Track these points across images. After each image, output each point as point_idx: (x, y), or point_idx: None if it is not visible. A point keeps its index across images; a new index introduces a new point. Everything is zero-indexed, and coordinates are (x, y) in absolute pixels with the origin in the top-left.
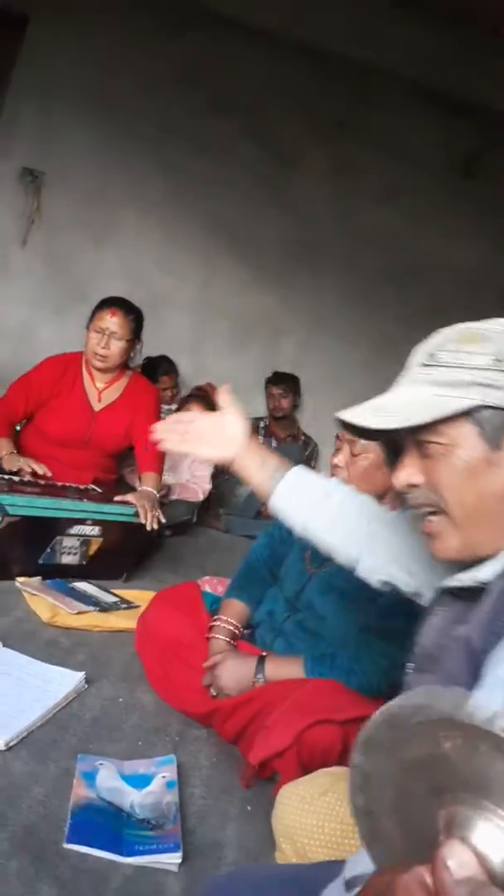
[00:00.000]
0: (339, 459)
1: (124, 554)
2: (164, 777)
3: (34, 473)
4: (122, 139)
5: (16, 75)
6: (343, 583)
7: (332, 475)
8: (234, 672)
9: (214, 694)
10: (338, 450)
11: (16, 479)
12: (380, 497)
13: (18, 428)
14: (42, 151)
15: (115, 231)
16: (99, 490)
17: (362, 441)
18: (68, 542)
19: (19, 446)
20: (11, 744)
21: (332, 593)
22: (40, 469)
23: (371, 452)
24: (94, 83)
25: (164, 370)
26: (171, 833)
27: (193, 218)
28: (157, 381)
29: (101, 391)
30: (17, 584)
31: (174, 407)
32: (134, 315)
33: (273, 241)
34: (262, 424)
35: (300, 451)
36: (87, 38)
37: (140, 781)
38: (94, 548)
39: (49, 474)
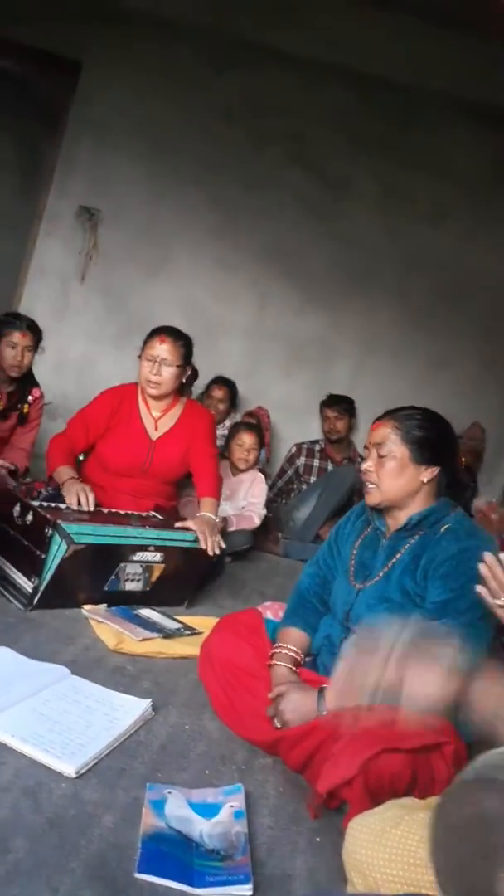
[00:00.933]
0: (368, 464)
1: (186, 580)
2: (232, 806)
3: (96, 503)
4: (172, 175)
5: (71, 118)
6: (389, 593)
7: (364, 482)
8: (297, 706)
9: (279, 725)
10: (365, 458)
11: (80, 508)
12: (410, 495)
13: (81, 458)
14: (97, 189)
15: (169, 263)
16: (160, 517)
17: (387, 444)
18: (132, 568)
19: (82, 476)
20: (81, 772)
21: (380, 605)
22: (87, 502)
23: (396, 453)
24: (143, 122)
25: (218, 382)
26: (241, 864)
27: (245, 248)
28: (208, 390)
29: (158, 420)
30: (84, 611)
31: (226, 427)
32: (183, 341)
33: (324, 266)
34: (317, 448)
35: (357, 473)
36: (136, 80)
37: (208, 811)
38: (156, 574)
39: (92, 507)
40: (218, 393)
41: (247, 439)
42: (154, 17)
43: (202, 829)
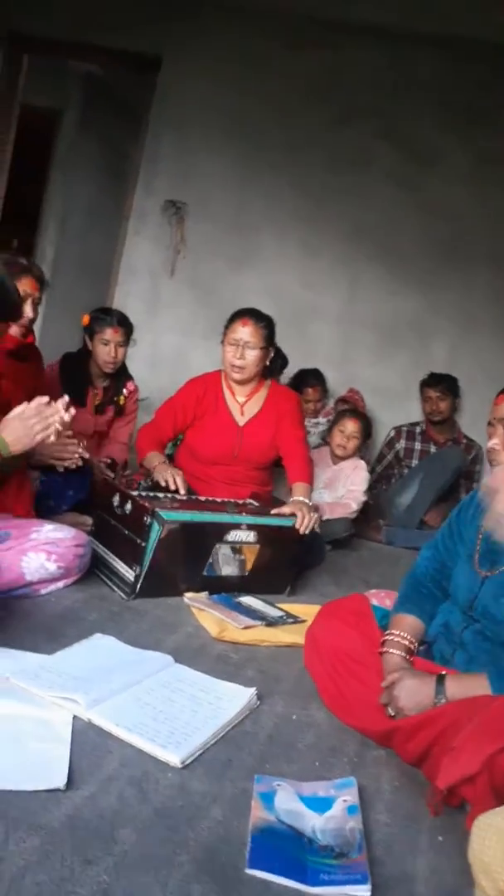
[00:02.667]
0: (495, 442)
1: (284, 565)
2: (345, 801)
3: (188, 490)
4: (256, 162)
5: (153, 115)
6: None
7: (490, 462)
8: (413, 693)
9: (392, 714)
10: (490, 435)
11: (177, 495)
12: None
13: (172, 450)
14: (182, 183)
15: (256, 252)
16: (255, 504)
17: None
18: (226, 550)
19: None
20: (187, 762)
21: None
22: (181, 484)
23: None
24: (224, 112)
25: (311, 383)
26: (357, 862)
27: (333, 230)
28: (301, 392)
29: (244, 405)
30: (185, 599)
31: (322, 420)
32: (265, 322)
33: (416, 242)
34: (418, 430)
35: (462, 455)
36: (215, 70)
37: (320, 805)
38: (252, 557)
39: (183, 488)
40: (312, 394)
41: (350, 426)
42: (229, 5)
43: (314, 824)
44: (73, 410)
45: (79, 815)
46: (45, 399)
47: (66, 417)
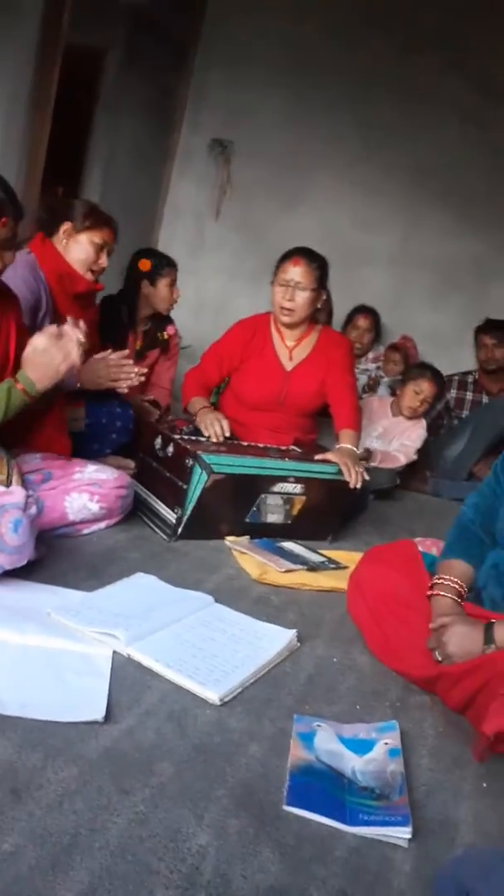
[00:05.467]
0: None
1: (329, 514)
2: (386, 744)
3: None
4: (315, 98)
5: (200, 49)
6: None
7: None
8: (462, 639)
9: (440, 659)
10: None
11: (216, 439)
12: None
13: (217, 396)
14: (230, 121)
15: (308, 193)
16: (299, 450)
17: None
18: (272, 500)
19: (220, 412)
20: (226, 700)
21: None
22: (221, 429)
23: None
24: (278, 43)
25: (362, 312)
26: (398, 805)
27: (393, 169)
28: (352, 321)
29: (292, 349)
30: (227, 542)
31: (371, 367)
32: (318, 263)
33: (484, 182)
34: (470, 379)
35: None
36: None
37: (360, 747)
38: (297, 507)
39: (228, 432)
40: (363, 322)
41: (426, 388)
42: None
43: (354, 765)
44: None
45: (116, 748)
46: (54, 327)
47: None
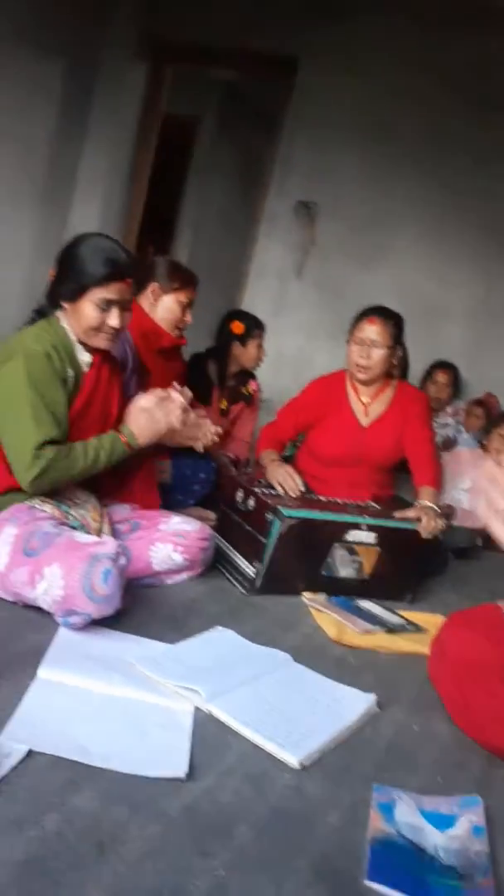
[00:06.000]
0: None
1: (406, 571)
2: (470, 820)
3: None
4: (391, 160)
5: (288, 117)
6: None
7: None
8: None
9: None
10: None
11: (293, 494)
12: None
13: (293, 451)
14: (315, 184)
15: (387, 252)
16: (377, 507)
17: None
18: (344, 550)
19: (296, 468)
20: (305, 764)
21: None
22: (299, 484)
23: None
24: (361, 110)
25: (442, 367)
26: (483, 888)
27: (471, 227)
28: (431, 376)
29: (368, 405)
30: (304, 599)
31: (451, 421)
32: (394, 321)
33: None
34: None
35: None
36: (353, 67)
37: (442, 822)
38: (372, 560)
39: (301, 487)
40: (442, 377)
41: None
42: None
43: (437, 841)
44: (188, 391)
45: (197, 807)
46: (160, 390)
47: (184, 401)
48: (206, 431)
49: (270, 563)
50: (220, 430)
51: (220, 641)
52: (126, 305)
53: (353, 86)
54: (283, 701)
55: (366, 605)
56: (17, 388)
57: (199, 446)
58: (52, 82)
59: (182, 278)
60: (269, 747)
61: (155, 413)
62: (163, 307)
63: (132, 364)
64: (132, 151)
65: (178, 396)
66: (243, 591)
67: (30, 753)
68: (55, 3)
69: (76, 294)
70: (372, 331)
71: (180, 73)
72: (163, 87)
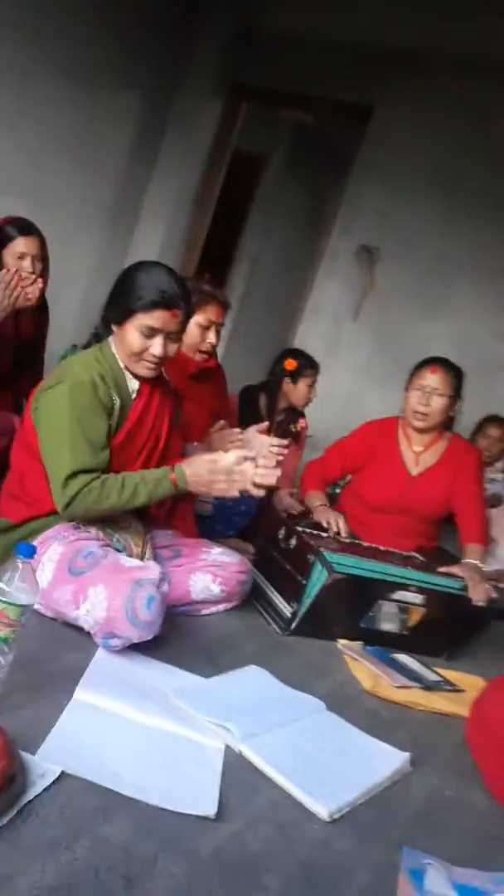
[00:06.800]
0: None
1: (447, 629)
2: None
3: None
4: (462, 213)
5: (359, 162)
6: None
7: None
8: None
9: None
10: None
11: (339, 537)
12: None
13: (338, 490)
14: (380, 229)
15: (449, 301)
16: (422, 558)
17: None
18: (390, 607)
19: (339, 509)
20: (335, 817)
21: None
22: (344, 530)
23: None
24: (433, 160)
25: (494, 422)
26: None
27: None
28: (481, 430)
29: (419, 454)
30: (339, 645)
31: (500, 477)
32: (454, 372)
33: None
34: None
35: None
36: (427, 119)
37: None
38: (415, 618)
39: (344, 531)
40: (494, 431)
41: None
42: (448, 54)
43: None
44: (262, 464)
45: (225, 850)
46: (242, 455)
47: (254, 492)
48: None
49: (310, 608)
50: (278, 472)
51: (254, 681)
52: (172, 336)
53: (424, 136)
54: (315, 749)
55: (402, 658)
56: (59, 415)
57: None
58: (128, 110)
59: (197, 298)
60: (300, 796)
61: (220, 475)
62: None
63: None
64: (199, 182)
65: (251, 471)
66: (278, 630)
67: (62, 775)
68: (140, 40)
69: (122, 318)
70: (434, 379)
71: (253, 111)
72: (236, 123)
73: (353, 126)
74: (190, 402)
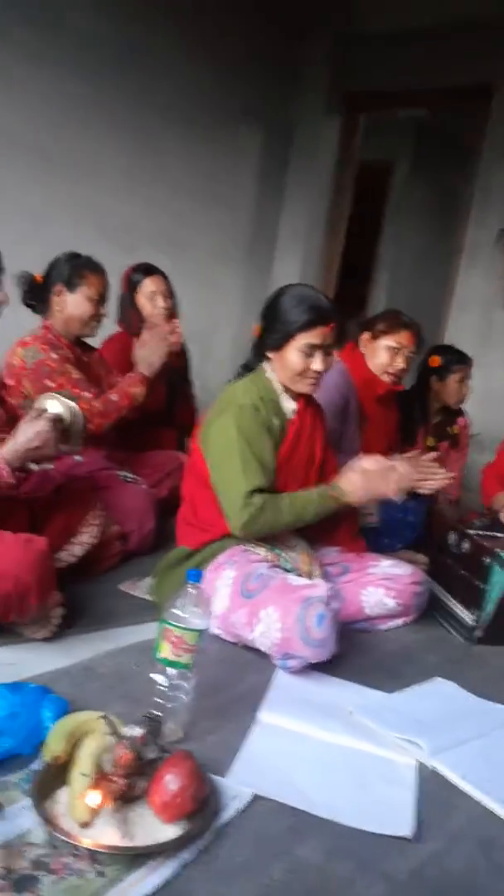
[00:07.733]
0: None
1: None
2: None
3: None
4: None
5: (486, 144)
6: None
7: None
8: None
9: None
10: None
11: None
12: None
13: None
14: None
15: None
16: None
17: None
18: None
19: None
20: None
21: None
22: None
23: None
24: None
25: None
26: None
27: None
28: None
29: None
30: None
31: None
32: None
33: None
34: None
35: None
36: None
37: None
38: None
39: None
40: None
41: None
42: None
43: None
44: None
45: (424, 872)
46: (392, 462)
47: (411, 476)
48: (434, 473)
49: (495, 613)
50: (453, 474)
51: (441, 694)
52: (328, 350)
53: None
54: None
55: None
56: (228, 441)
57: (427, 490)
58: (251, 145)
59: (389, 322)
60: (500, 811)
61: (373, 478)
62: (373, 353)
63: (353, 411)
64: (329, 201)
65: (406, 469)
66: (462, 639)
67: (254, 797)
68: (252, 74)
69: (281, 342)
70: None
71: (372, 120)
72: (356, 136)
73: (474, 111)
74: (372, 424)
